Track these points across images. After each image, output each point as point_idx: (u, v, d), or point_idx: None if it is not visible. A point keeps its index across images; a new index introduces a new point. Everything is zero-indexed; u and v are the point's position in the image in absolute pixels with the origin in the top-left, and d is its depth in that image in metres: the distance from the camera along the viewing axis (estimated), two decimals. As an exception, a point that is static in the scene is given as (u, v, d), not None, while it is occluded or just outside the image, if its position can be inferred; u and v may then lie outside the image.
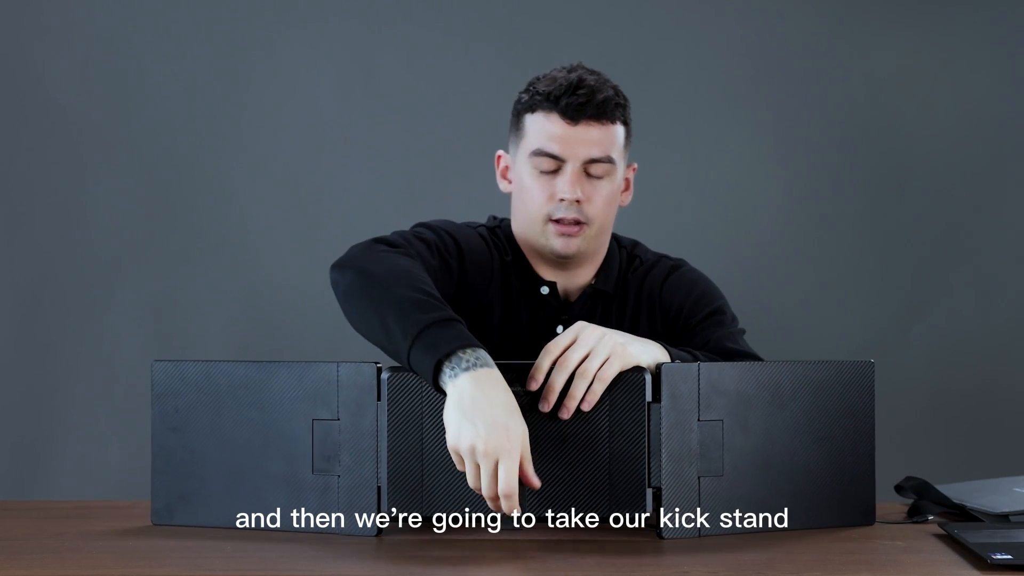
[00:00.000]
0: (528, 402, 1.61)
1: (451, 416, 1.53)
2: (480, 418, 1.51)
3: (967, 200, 3.09)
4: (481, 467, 1.51)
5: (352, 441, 1.65)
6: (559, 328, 1.95)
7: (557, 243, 1.91)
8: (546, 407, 1.60)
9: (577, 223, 1.90)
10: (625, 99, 1.96)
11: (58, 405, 3.07)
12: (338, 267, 1.75)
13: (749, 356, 1.89)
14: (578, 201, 1.89)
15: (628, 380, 1.60)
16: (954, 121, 3.09)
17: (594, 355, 1.60)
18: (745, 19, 3.08)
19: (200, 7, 3.08)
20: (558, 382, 1.59)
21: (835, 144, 3.09)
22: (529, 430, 1.57)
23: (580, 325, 1.64)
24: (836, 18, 3.09)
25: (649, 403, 1.60)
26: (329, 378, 1.65)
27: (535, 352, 1.64)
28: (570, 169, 1.88)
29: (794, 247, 3.09)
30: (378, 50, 3.10)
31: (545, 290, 1.97)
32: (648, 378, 1.60)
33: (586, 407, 1.59)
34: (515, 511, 1.52)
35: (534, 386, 1.60)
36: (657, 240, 3.05)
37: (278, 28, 3.09)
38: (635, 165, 2.04)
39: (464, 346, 1.55)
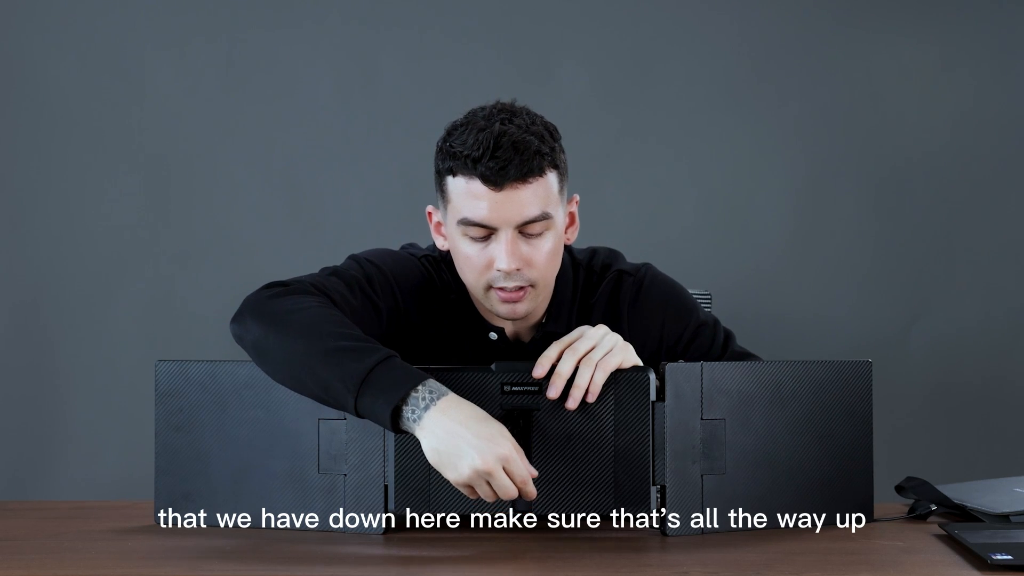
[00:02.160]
0: (531, 401, 1.62)
1: (439, 457, 1.54)
2: (464, 443, 1.52)
3: (967, 200, 3.09)
4: (492, 482, 1.53)
5: (359, 440, 1.65)
6: None
7: (503, 309, 1.78)
8: (554, 393, 1.61)
9: (520, 288, 1.76)
10: (552, 136, 1.77)
11: (58, 405, 3.07)
12: (238, 320, 1.70)
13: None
14: (519, 268, 1.75)
15: (633, 379, 1.62)
16: (954, 121, 3.09)
17: (599, 347, 1.63)
18: (745, 19, 3.08)
19: (200, 7, 3.08)
20: (566, 368, 1.61)
21: (835, 144, 3.09)
22: (535, 430, 1.61)
23: (585, 327, 1.67)
24: (836, 18, 3.09)
25: (653, 402, 1.61)
26: (334, 378, 1.65)
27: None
28: (504, 237, 1.73)
29: (794, 247, 3.09)
30: (378, 50, 3.09)
31: (493, 335, 1.87)
32: (652, 377, 1.61)
33: (590, 398, 1.61)
34: (533, 495, 1.55)
35: (540, 373, 1.62)
36: (657, 241, 3.07)
37: (278, 28, 3.09)
38: (576, 197, 1.87)
39: (414, 384, 1.55)
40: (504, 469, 1.52)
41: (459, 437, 1.53)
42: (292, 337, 1.62)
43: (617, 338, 1.65)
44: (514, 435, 1.61)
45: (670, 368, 1.61)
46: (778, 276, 3.08)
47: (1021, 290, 3.08)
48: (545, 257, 1.77)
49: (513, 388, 1.62)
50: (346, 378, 1.57)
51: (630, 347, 1.65)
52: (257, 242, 3.07)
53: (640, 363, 1.65)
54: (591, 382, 1.60)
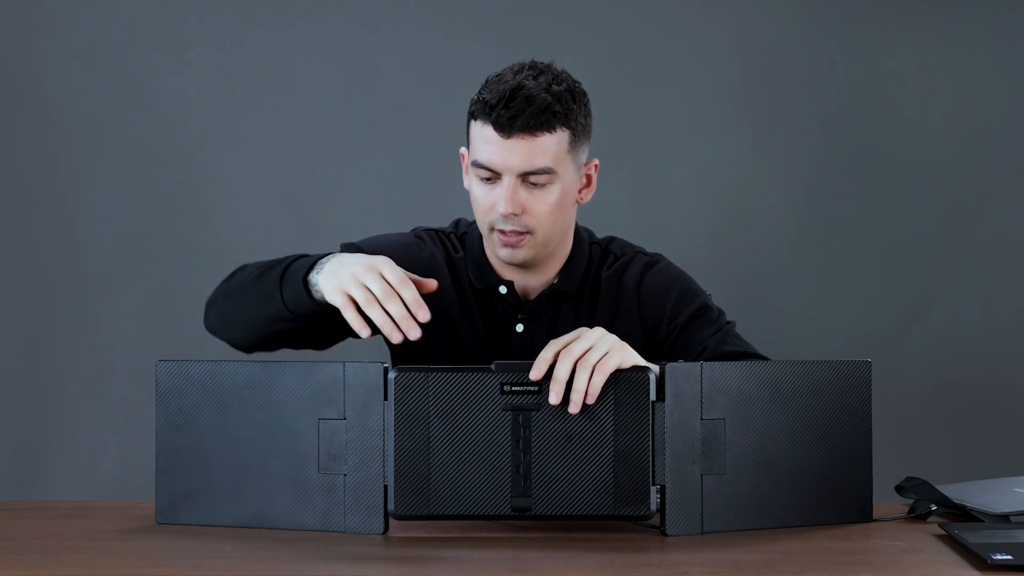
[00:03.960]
0: (530, 401, 1.62)
1: (328, 281, 1.69)
2: (347, 260, 1.70)
3: (967, 200, 3.09)
4: (370, 285, 1.65)
5: (359, 440, 1.65)
6: (518, 327, 1.95)
7: (502, 252, 1.90)
8: (555, 398, 1.61)
9: (519, 233, 1.87)
10: (573, 98, 1.87)
11: (58, 405, 3.07)
12: (205, 314, 1.92)
13: (751, 356, 1.89)
14: (516, 213, 1.85)
15: (632, 379, 1.62)
16: (954, 121, 3.09)
17: (596, 348, 1.62)
18: (745, 19, 3.09)
19: (200, 7, 3.08)
20: (562, 372, 1.61)
21: (835, 144, 3.10)
22: (535, 430, 1.61)
23: (583, 328, 1.67)
24: (836, 18, 3.09)
25: (653, 402, 1.61)
26: (335, 378, 1.65)
27: (492, 353, 1.91)
28: (506, 182, 1.85)
29: (794, 247, 3.09)
30: (378, 50, 3.10)
31: (503, 289, 1.96)
32: (652, 377, 1.61)
33: (590, 400, 1.60)
34: (423, 311, 1.66)
35: (537, 375, 1.61)
36: (657, 240, 3.06)
37: (278, 28, 3.09)
38: (596, 162, 1.96)
39: (317, 258, 1.73)
40: (380, 275, 1.66)
41: (345, 259, 1.71)
42: (236, 292, 1.84)
43: (615, 339, 1.64)
44: (514, 434, 1.61)
45: (670, 368, 1.62)
46: (778, 276, 3.08)
47: (1021, 290, 3.08)
48: (545, 207, 1.87)
49: (513, 388, 1.62)
50: (271, 284, 1.76)
51: (628, 347, 1.65)
52: (257, 242, 3.06)
53: (640, 362, 1.65)
54: (589, 384, 1.60)
